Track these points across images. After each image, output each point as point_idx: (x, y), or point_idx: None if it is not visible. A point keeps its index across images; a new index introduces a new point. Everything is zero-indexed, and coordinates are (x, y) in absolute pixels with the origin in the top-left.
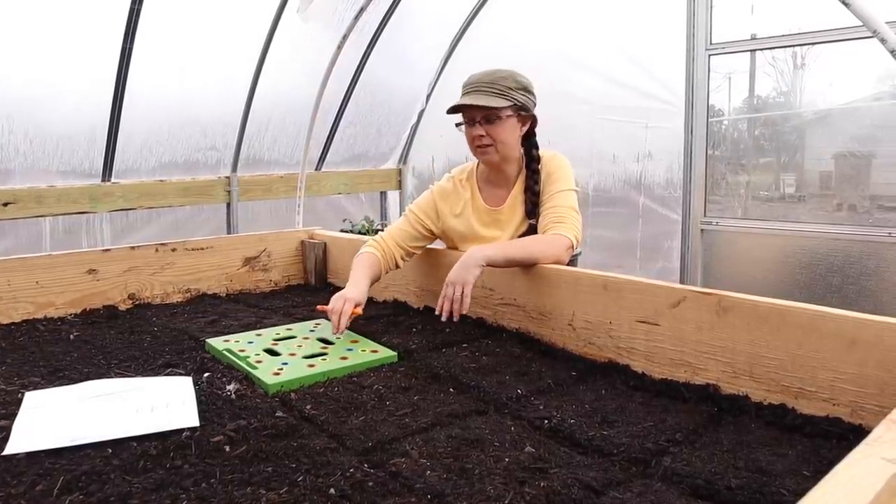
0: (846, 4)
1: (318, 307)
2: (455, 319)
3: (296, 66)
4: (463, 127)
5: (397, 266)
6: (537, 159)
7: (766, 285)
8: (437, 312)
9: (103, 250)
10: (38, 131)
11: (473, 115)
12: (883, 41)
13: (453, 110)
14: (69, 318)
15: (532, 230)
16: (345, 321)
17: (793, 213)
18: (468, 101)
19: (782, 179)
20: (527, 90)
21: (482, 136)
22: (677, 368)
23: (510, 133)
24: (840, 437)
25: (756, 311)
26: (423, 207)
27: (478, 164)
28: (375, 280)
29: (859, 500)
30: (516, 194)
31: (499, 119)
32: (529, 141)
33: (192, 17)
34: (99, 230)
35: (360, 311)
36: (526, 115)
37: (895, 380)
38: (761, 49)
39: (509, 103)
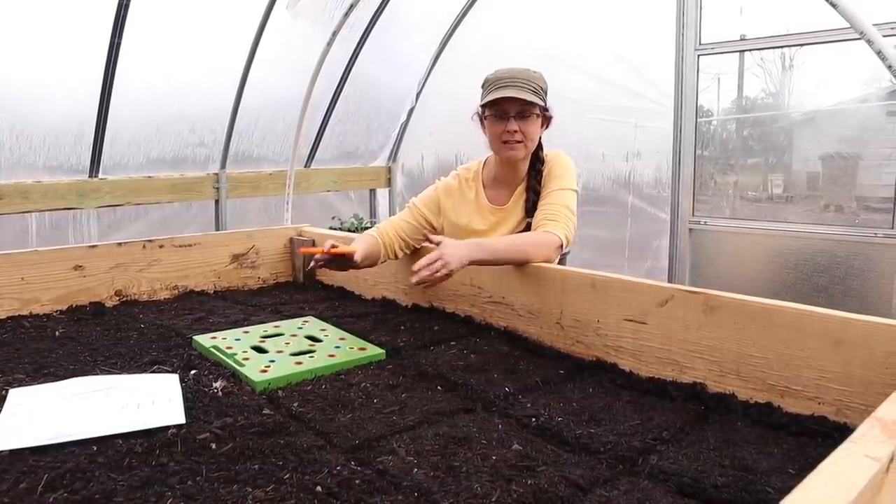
0: (833, 5)
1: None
2: (422, 285)
3: (285, 63)
4: (482, 121)
5: (396, 256)
6: (542, 160)
7: (754, 285)
8: (414, 269)
9: (90, 246)
10: (24, 126)
11: (507, 110)
12: (870, 42)
13: (492, 102)
14: (55, 314)
15: (529, 229)
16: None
17: (780, 214)
18: (512, 93)
19: (770, 180)
20: (547, 93)
21: (516, 130)
22: (664, 367)
23: (537, 132)
24: (825, 435)
25: (743, 310)
26: (425, 201)
27: (484, 164)
28: (370, 253)
29: (843, 497)
30: (520, 194)
31: (531, 116)
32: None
33: (181, 13)
34: (86, 226)
35: (341, 249)
36: (547, 117)
37: (880, 378)
38: (750, 50)
39: (542, 103)
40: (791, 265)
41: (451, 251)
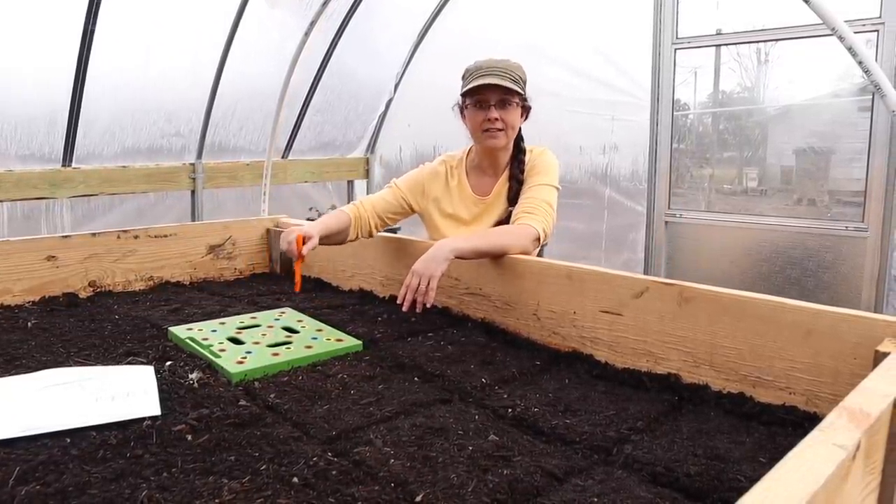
0: (806, 2)
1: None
2: (418, 311)
3: (263, 53)
4: (462, 111)
5: (370, 234)
6: (523, 150)
7: (728, 277)
8: (398, 302)
9: (63, 236)
10: None
11: (488, 98)
12: (841, 38)
13: (472, 91)
14: (27, 305)
15: (510, 217)
16: (295, 248)
17: (755, 207)
18: (493, 80)
19: (745, 173)
20: (526, 84)
21: (497, 118)
22: (639, 358)
23: (518, 120)
24: (795, 424)
25: (717, 301)
26: (409, 184)
27: (468, 153)
28: (336, 231)
29: (811, 484)
30: (503, 183)
31: (511, 105)
32: (518, 133)
33: (157, 0)
34: (59, 216)
35: (310, 242)
36: (526, 107)
37: (848, 369)
38: (726, 44)
39: (522, 92)
40: (764, 258)
41: (426, 265)
